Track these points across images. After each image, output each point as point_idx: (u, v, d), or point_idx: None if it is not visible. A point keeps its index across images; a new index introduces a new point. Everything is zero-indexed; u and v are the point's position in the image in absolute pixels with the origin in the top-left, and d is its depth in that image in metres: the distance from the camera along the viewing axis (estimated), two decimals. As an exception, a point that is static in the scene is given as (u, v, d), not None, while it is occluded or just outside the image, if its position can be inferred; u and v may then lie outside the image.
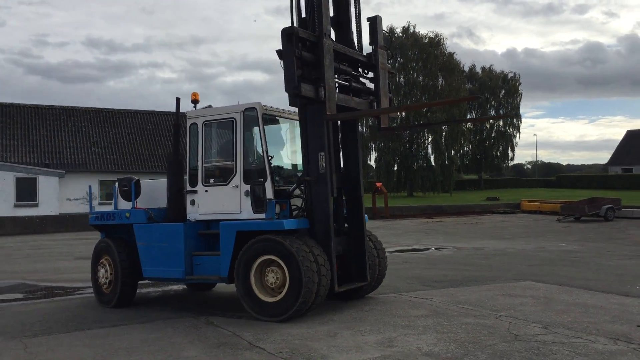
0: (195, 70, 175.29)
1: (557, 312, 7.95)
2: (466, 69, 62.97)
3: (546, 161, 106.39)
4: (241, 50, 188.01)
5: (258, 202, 7.90)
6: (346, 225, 8.79)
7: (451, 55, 56.69)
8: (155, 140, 37.18)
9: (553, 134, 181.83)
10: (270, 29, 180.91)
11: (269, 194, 8.00)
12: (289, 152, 9.60)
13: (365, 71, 9.21)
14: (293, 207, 8.24)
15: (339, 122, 8.83)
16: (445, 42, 56.60)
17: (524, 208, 32.70)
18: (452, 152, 55.74)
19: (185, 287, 10.79)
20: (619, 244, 17.98)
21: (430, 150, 55.04)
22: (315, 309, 7.88)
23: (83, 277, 12.51)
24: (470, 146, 67.05)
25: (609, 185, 61.68)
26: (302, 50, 7.74)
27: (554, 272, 11.98)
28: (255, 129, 8.53)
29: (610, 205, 26.07)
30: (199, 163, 8.70)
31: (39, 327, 7.70)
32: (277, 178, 8.42)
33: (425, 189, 54.40)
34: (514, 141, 70.24)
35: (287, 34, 7.69)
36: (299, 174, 9.18)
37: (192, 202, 8.71)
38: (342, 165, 8.90)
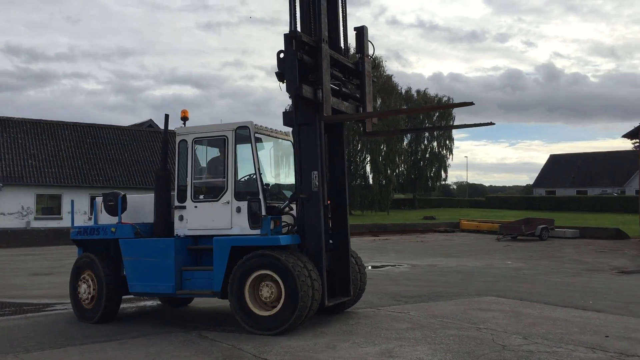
0: (121, 82, 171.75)
1: (529, 325, 8.52)
2: (402, 91, 64.81)
3: (470, 182, 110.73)
4: (171, 64, 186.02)
5: (254, 218, 8.11)
6: (330, 241, 9.10)
7: (389, 77, 58.32)
8: (95, 154, 36.26)
9: (476, 156, 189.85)
10: (202, 44, 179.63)
11: (262, 211, 8.23)
12: (272, 170, 9.84)
13: (351, 78, 9.62)
14: (282, 224, 8.49)
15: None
16: (384, 65, 58.19)
17: (463, 227, 34.01)
18: (389, 171, 57.11)
19: (159, 302, 10.78)
20: (558, 262, 19.08)
21: (368, 170, 56.19)
22: (304, 323, 8.13)
23: (47, 294, 12.30)
24: (405, 166, 68.87)
25: (534, 206, 64.68)
26: (302, 54, 8.12)
27: (510, 288, 12.67)
28: (247, 147, 8.73)
29: (544, 226, 27.57)
30: (189, 179, 8.82)
31: (27, 343, 7.58)
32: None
33: (363, 208, 55.35)
34: (447, 162, 72.61)
35: (290, 37, 8.08)
36: (284, 192, 9.46)
37: (181, 218, 8.80)
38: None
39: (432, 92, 68.93)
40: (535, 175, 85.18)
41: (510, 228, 28.19)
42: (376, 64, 57.14)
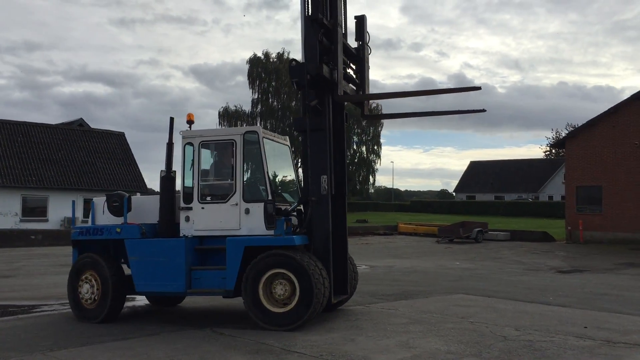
0: (27, 77, 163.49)
1: (512, 318, 9.31)
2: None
3: (388, 187, 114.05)
4: (81, 60, 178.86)
5: (270, 219, 8.46)
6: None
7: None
8: (27, 153, 34.88)
9: (392, 161, 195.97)
10: (115, 41, 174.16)
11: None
12: (272, 173, 10.19)
13: (350, 63, 10.16)
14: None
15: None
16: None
17: (401, 230, 35.25)
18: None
19: (148, 303, 10.87)
20: (501, 262, 20.35)
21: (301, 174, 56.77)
22: (313, 320, 8.56)
23: (22, 295, 12.07)
24: (335, 170, 69.86)
25: (456, 210, 67.51)
26: (322, 36, 8.71)
27: (473, 287, 13.56)
28: (255, 151, 9.05)
29: (480, 229, 29.14)
30: (195, 181, 9.05)
31: (45, 343, 7.62)
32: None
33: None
34: (375, 167, 74.33)
35: (311, 19, 8.61)
36: (283, 194, 9.86)
37: (187, 219, 9.02)
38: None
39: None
40: (448, 180, 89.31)
41: (448, 231, 29.58)
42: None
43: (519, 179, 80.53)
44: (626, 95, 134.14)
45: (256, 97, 57.94)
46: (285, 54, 58.68)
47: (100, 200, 9.82)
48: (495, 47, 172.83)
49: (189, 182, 9.12)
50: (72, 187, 34.55)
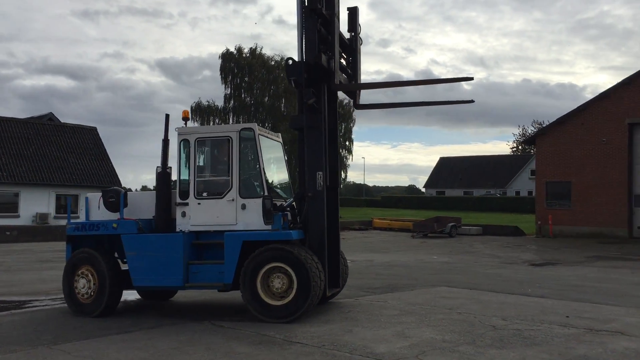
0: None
1: (498, 309, 9.71)
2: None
3: (356, 182, 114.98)
4: (43, 52, 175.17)
5: (268, 215, 8.67)
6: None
7: (295, 78, 59.27)
8: (-3, 148, 34.30)
9: (360, 157, 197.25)
10: (78, 33, 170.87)
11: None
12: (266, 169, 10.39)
13: (342, 53, 10.39)
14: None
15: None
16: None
17: (375, 225, 35.73)
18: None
19: (139, 297, 10.98)
20: (476, 256, 20.89)
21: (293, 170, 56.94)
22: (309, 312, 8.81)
23: (13, 291, 12.09)
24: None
25: (426, 205, 68.47)
26: (320, 25, 8.97)
27: (454, 279, 13.98)
28: (251, 147, 9.26)
29: (453, 224, 29.75)
30: (191, 177, 9.21)
31: (46, 336, 7.72)
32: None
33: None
34: (347, 163, 74.83)
35: (310, 9, 8.86)
36: (276, 190, 10.07)
37: (183, 214, 9.17)
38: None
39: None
40: (416, 176, 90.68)
41: (423, 226, 30.12)
42: (283, 65, 58.04)
43: (487, 174, 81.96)
44: (588, 92, 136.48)
45: (229, 92, 57.76)
46: (258, 49, 58.67)
47: (94, 196, 9.90)
48: (461, 44, 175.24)
49: (185, 178, 9.28)
50: (44, 182, 34.09)
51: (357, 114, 68.15)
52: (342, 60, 10.28)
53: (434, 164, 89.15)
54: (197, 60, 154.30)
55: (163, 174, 9.43)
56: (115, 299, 9.20)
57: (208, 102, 56.94)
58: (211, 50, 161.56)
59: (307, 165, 9.02)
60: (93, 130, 39.61)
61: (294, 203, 9.33)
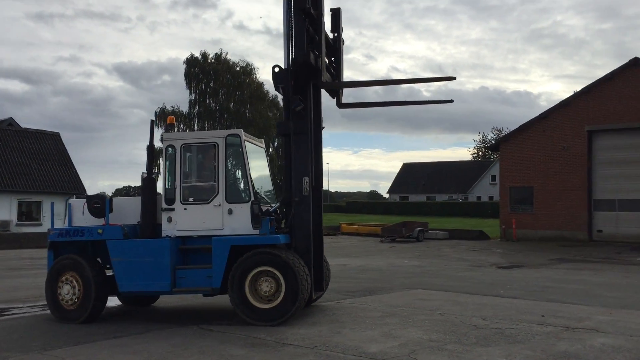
0: None
1: (475, 310, 10.04)
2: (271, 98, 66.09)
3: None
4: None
5: (256, 219, 8.80)
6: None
7: (260, 84, 59.40)
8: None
9: (325, 163, 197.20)
10: (32, 36, 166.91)
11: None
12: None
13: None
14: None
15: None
16: (257, 72, 59.22)
17: (343, 230, 36.01)
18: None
19: (120, 304, 10.95)
20: (445, 260, 21.33)
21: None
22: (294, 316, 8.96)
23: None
24: (275, 172, 70.21)
25: (390, 211, 69.18)
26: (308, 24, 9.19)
27: (427, 282, 14.31)
28: (237, 153, 9.38)
29: (421, 228, 30.26)
30: (177, 182, 9.28)
31: (36, 343, 7.69)
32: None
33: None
34: (311, 169, 75.05)
35: (299, 8, 9.06)
36: (262, 195, 10.20)
37: (169, 219, 9.23)
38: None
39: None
40: (377, 182, 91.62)
41: (391, 231, 30.54)
42: (249, 70, 58.12)
43: (449, 180, 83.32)
44: (543, 100, 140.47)
45: (194, 97, 57.45)
46: (223, 55, 58.51)
47: (77, 202, 9.86)
48: (421, 52, 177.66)
49: (170, 184, 9.34)
50: (6, 189, 33.33)
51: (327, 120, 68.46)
52: (326, 60, 10.51)
53: (395, 169, 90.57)
54: (157, 64, 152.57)
55: (148, 179, 9.46)
56: (100, 305, 9.18)
57: (172, 107, 56.49)
58: (171, 55, 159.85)
59: (293, 171, 9.19)
60: (56, 136, 38.90)
61: (277, 208, 9.48)
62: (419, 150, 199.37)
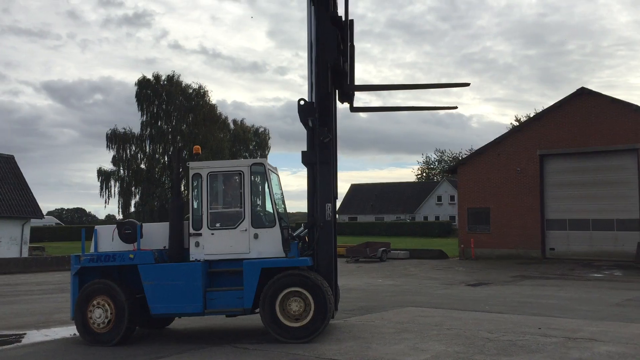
0: None
1: (476, 324, 10.86)
2: (224, 119, 66.26)
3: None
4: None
5: (286, 243, 9.40)
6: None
7: (214, 106, 59.64)
8: None
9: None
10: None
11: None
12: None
13: None
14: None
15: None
16: (210, 94, 59.45)
17: (306, 251, 36.61)
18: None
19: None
20: (416, 278, 22.27)
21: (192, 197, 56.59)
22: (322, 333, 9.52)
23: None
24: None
25: (341, 231, 69.66)
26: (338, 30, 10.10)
27: (414, 300, 15.11)
28: (261, 181, 9.96)
29: (384, 248, 31.25)
30: (204, 209, 9.77)
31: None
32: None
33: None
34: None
35: (330, 16, 10.03)
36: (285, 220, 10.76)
37: (197, 244, 9.70)
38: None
39: (248, 122, 70.60)
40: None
41: (355, 251, 31.38)
42: (202, 93, 58.29)
43: (396, 201, 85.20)
44: (474, 122, 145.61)
45: (145, 119, 57.05)
46: (176, 77, 58.43)
47: (104, 228, 10.19)
48: (357, 74, 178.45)
49: (198, 210, 9.82)
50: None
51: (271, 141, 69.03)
52: None
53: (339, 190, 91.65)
54: (88, 83, 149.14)
55: (176, 205, 9.91)
56: (132, 327, 9.52)
57: (124, 129, 55.99)
58: (103, 74, 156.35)
59: (319, 198, 9.83)
60: (10, 159, 37.93)
61: (301, 232, 10.08)
62: (357, 171, 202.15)
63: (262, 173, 9.90)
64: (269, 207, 9.90)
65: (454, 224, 68.56)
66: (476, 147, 38.05)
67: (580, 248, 28.79)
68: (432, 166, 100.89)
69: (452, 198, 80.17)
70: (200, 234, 9.71)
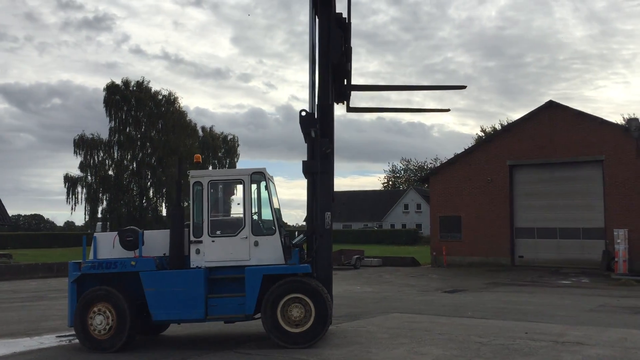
0: None
1: (464, 329, 11.22)
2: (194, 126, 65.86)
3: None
4: None
5: (287, 250, 9.62)
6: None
7: (183, 113, 59.26)
8: None
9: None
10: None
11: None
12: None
13: None
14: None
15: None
16: (180, 101, 59.06)
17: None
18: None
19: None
20: (393, 285, 22.65)
21: (164, 203, 56.22)
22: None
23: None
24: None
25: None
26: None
27: (397, 307, 15.44)
28: (262, 189, 10.17)
29: (358, 256, 31.65)
30: (204, 217, 9.92)
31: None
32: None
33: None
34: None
35: (335, 18, 10.43)
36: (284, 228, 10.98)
37: (197, 251, 9.84)
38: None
39: (217, 130, 70.12)
40: (281, 210, 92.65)
41: (329, 259, 31.68)
42: (172, 100, 57.94)
43: (364, 209, 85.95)
44: (435, 131, 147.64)
45: (113, 125, 56.32)
46: (145, 83, 57.90)
47: (104, 236, 10.25)
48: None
49: (198, 218, 9.97)
50: None
51: (242, 148, 68.95)
52: None
53: (297, 197, 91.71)
54: (46, 87, 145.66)
55: (177, 213, 10.04)
56: (134, 334, 9.59)
57: (92, 135, 55.21)
58: (62, 78, 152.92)
59: (319, 207, 10.09)
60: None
61: (300, 240, 10.32)
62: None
63: (262, 181, 10.11)
64: (268, 215, 10.11)
65: (420, 232, 69.67)
66: (439, 156, 39.07)
67: (548, 256, 29.64)
68: (398, 175, 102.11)
69: (418, 206, 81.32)
70: (200, 242, 9.85)
